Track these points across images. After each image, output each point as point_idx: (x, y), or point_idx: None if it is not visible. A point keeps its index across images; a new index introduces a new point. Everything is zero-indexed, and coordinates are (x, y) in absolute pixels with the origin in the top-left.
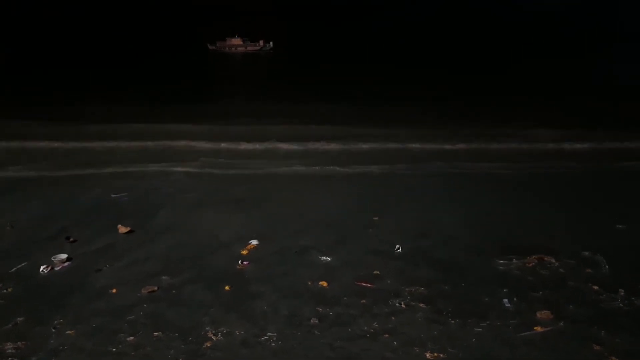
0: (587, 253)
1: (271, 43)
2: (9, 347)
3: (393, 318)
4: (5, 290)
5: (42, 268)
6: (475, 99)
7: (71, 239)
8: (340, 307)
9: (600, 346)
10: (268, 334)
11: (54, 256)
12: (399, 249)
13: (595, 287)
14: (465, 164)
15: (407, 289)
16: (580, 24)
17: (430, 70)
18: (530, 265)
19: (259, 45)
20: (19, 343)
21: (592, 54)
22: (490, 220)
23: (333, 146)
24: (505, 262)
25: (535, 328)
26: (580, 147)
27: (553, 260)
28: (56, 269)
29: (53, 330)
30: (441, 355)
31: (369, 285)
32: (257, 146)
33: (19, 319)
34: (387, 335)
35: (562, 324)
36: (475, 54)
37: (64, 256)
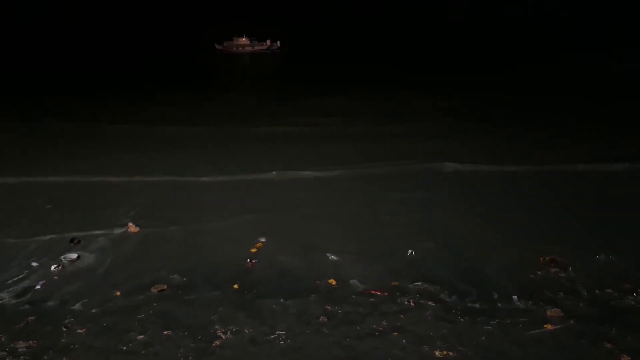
0: (597, 252)
1: (278, 42)
2: (21, 345)
3: (402, 316)
4: (16, 290)
5: (52, 267)
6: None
7: (75, 241)
8: (348, 305)
9: (611, 344)
10: (277, 332)
11: (64, 255)
12: (412, 253)
13: (606, 285)
14: (476, 164)
15: (416, 287)
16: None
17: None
18: (541, 263)
19: (266, 44)
20: (30, 342)
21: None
22: (501, 220)
23: (341, 146)
24: (516, 260)
25: (545, 326)
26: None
27: (563, 259)
28: (67, 268)
29: (64, 329)
30: (450, 354)
31: (379, 293)
32: (266, 147)
33: (30, 318)
34: (396, 333)
35: (572, 322)
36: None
37: (74, 255)
